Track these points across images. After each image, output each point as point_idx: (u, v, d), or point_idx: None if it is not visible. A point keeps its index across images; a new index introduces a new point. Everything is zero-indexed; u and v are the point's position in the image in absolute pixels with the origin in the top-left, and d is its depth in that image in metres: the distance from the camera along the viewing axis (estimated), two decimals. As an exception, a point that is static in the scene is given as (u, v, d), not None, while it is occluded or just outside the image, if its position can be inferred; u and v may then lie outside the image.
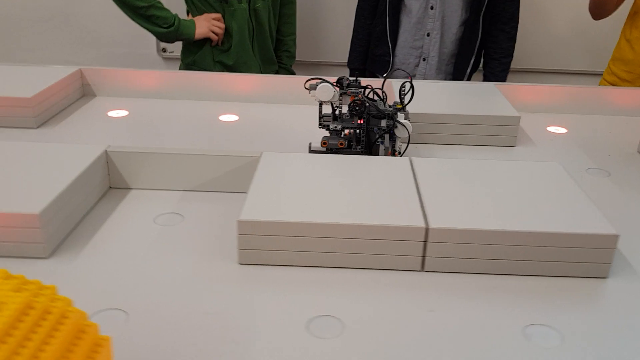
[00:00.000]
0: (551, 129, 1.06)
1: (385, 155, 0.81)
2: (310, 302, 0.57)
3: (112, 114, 1.07)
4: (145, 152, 0.78)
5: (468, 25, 1.61)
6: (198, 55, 1.65)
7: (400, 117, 0.81)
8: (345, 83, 0.82)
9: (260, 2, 1.62)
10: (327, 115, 0.84)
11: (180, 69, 1.71)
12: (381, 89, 0.84)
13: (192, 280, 0.60)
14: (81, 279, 0.60)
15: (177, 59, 2.15)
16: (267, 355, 0.51)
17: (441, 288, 0.60)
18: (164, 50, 2.09)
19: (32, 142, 0.78)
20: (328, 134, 0.84)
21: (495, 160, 0.78)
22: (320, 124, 0.84)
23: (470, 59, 1.65)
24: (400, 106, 0.82)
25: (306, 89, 0.81)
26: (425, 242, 0.61)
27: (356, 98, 0.80)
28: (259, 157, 0.77)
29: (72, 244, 0.66)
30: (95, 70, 1.16)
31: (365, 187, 0.68)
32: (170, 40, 1.62)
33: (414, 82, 1.15)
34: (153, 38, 2.09)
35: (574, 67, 2.19)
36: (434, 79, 1.66)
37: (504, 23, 1.63)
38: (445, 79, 1.68)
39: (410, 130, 0.80)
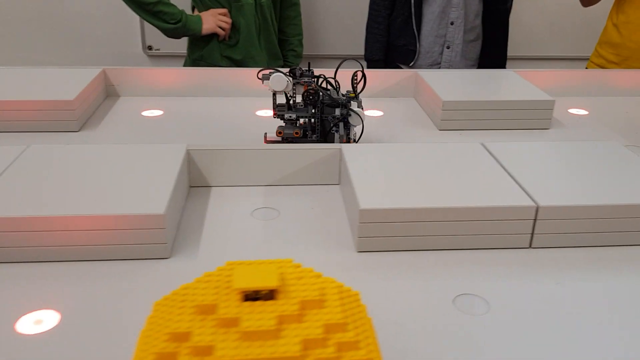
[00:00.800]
0: (573, 111, 1.13)
1: (340, 142, 0.83)
2: (443, 283, 0.60)
3: (147, 113, 1.06)
4: (225, 149, 0.78)
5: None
6: (205, 50, 1.64)
7: (354, 105, 0.84)
8: (298, 73, 0.84)
9: None
10: (281, 105, 0.85)
11: (185, 64, 1.69)
12: (334, 78, 0.86)
13: (322, 270, 0.62)
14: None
15: (163, 56, 2.12)
16: (422, 334, 0.53)
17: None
18: (150, 47, 2.04)
19: (113, 144, 0.76)
20: (283, 124, 0.86)
21: (555, 142, 0.83)
22: (274, 114, 0.85)
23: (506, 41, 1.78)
24: (353, 95, 0.84)
25: (259, 79, 0.83)
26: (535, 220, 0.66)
27: (309, 87, 0.83)
28: (338, 149, 0.79)
29: (184, 244, 0.65)
30: (118, 70, 1.13)
31: (453, 172, 0.72)
32: (177, 36, 1.61)
33: (440, 70, 1.20)
34: (138, 36, 2.06)
35: (562, 53, 2.32)
36: (458, 67, 1.74)
37: None
38: (470, 66, 1.78)
39: (363, 118, 0.83)
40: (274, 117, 0.85)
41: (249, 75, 1.15)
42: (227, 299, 0.28)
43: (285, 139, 0.84)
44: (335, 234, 0.68)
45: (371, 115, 1.09)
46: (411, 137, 1.00)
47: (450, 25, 1.70)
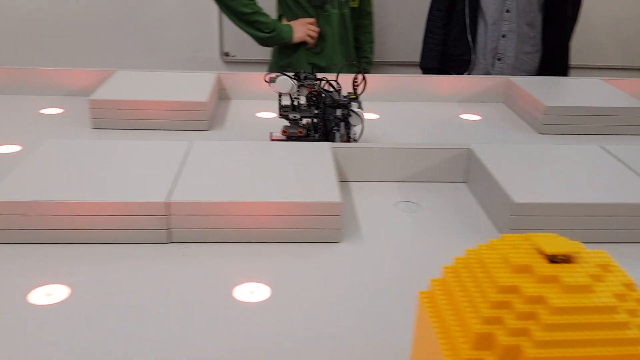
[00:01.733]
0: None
1: (340, 141, 0.89)
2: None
3: (260, 115, 1.13)
4: (366, 147, 0.85)
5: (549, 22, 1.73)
6: (293, 57, 1.74)
7: (354, 106, 0.88)
8: (302, 76, 0.89)
9: (346, 8, 1.73)
10: (286, 106, 0.90)
11: (271, 70, 1.77)
12: (335, 80, 0.91)
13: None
14: (378, 263, 0.67)
15: (239, 62, 2.20)
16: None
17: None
18: (227, 54, 2.13)
19: (267, 143, 0.85)
20: (288, 124, 0.90)
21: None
22: (280, 114, 0.90)
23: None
24: (354, 96, 0.90)
25: (266, 82, 0.88)
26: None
27: (313, 89, 0.88)
28: (467, 150, 0.85)
29: (347, 230, 0.72)
30: (229, 74, 1.21)
31: (583, 170, 0.78)
32: (269, 44, 1.72)
33: (528, 77, 1.26)
34: (216, 42, 2.16)
35: (624, 63, 2.37)
36: None
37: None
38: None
39: (362, 118, 0.88)
40: (279, 118, 0.90)
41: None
42: (536, 261, 0.35)
43: (290, 138, 0.89)
44: (479, 226, 0.75)
45: (470, 119, 1.16)
46: (513, 139, 1.06)
47: (502, 38, 1.72)
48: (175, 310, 0.57)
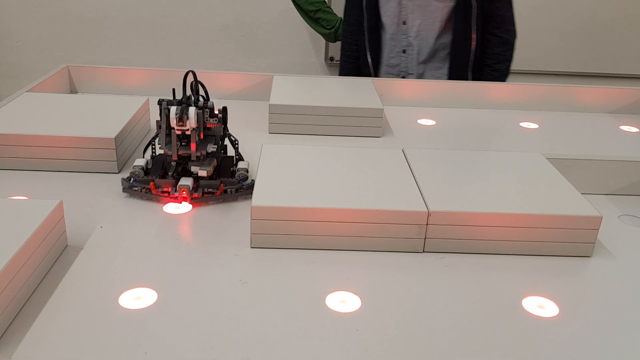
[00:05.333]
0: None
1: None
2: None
3: (422, 122, 1.13)
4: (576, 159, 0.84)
5: (458, 35, 1.43)
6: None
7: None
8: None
9: None
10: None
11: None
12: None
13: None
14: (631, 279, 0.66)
15: None
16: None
17: (439, 268, 0.66)
18: (332, 59, 2.14)
19: (473, 151, 0.85)
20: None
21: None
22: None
23: (467, 71, 1.46)
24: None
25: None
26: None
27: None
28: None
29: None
30: (381, 81, 1.21)
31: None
32: (332, 40, 1.85)
33: None
34: (322, 48, 2.18)
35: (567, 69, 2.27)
36: None
37: (495, 27, 1.45)
38: None
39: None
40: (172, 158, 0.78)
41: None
42: None
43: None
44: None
45: (528, 127, 1.14)
46: None
47: (403, 54, 1.47)
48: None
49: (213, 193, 0.77)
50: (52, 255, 0.62)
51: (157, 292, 0.58)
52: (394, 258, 0.67)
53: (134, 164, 0.78)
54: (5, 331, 0.52)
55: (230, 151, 0.88)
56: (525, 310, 0.58)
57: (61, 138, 0.82)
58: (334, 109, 1.02)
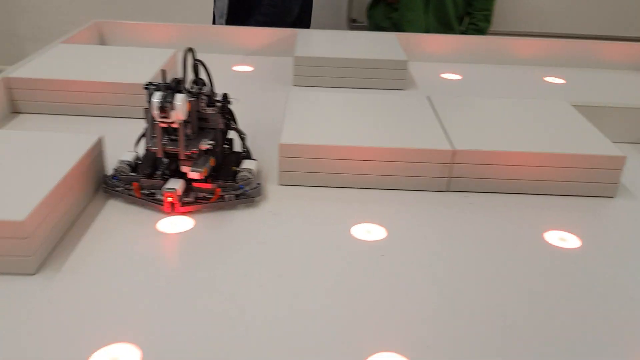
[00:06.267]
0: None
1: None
2: None
3: (446, 76, 1.14)
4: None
5: None
6: (375, 10, 1.90)
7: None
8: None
9: None
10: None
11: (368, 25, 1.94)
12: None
13: None
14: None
15: (364, 27, 2.22)
16: None
17: (463, 205, 0.67)
18: (354, 20, 2.14)
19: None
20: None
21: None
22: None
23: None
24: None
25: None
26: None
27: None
28: None
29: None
30: (403, 35, 1.22)
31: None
32: None
33: None
34: (344, 9, 2.18)
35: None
36: None
37: None
38: None
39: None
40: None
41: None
42: None
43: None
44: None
45: (554, 82, 1.13)
46: None
47: None
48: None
49: (208, 199, 0.64)
50: (94, 186, 0.65)
51: (194, 220, 0.61)
52: (419, 196, 0.68)
53: (121, 159, 0.65)
54: (52, 250, 0.55)
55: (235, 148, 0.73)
56: (548, 242, 0.60)
57: (96, 83, 0.85)
58: (359, 60, 1.03)
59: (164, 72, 0.64)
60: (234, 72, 1.11)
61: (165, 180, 0.63)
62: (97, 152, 0.66)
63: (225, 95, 0.66)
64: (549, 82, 1.12)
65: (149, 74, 0.88)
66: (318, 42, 1.12)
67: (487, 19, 1.86)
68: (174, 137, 0.62)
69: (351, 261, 0.56)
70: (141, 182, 0.64)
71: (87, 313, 0.48)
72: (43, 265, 0.53)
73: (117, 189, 0.64)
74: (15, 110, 0.87)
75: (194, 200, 0.63)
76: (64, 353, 0.43)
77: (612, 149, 0.69)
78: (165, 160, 0.64)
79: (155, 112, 0.59)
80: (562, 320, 0.49)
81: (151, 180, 0.64)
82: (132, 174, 0.64)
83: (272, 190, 0.68)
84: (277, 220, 0.62)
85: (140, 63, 0.93)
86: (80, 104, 0.86)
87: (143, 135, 0.67)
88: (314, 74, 1.04)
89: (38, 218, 0.52)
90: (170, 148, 0.62)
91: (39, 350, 0.44)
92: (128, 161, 0.65)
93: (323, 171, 0.69)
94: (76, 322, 0.47)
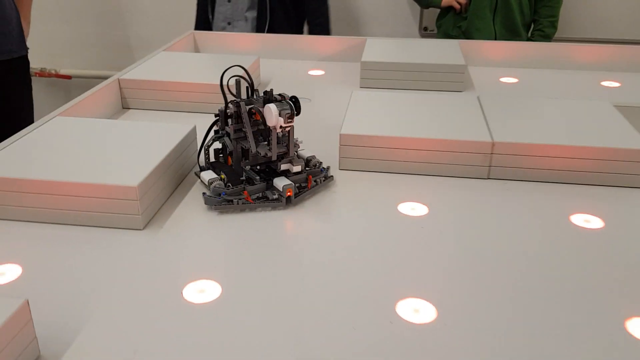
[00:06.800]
0: None
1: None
2: None
3: (504, 79, 1.21)
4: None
5: None
6: (444, 20, 1.98)
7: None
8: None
9: None
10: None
11: (438, 32, 2.04)
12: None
13: None
14: None
15: (434, 35, 2.31)
16: None
17: (501, 191, 0.75)
18: (425, 29, 2.24)
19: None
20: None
21: None
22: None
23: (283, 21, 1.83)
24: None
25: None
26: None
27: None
28: None
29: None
30: (464, 42, 1.30)
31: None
32: (423, 5, 2.05)
33: None
34: (417, 17, 2.30)
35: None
36: None
37: None
38: None
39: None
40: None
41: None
42: None
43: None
44: None
45: (609, 85, 1.15)
46: None
47: (228, 3, 1.84)
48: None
49: (303, 187, 0.74)
50: (189, 165, 0.79)
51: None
52: (461, 181, 0.78)
53: (209, 179, 0.73)
54: (156, 212, 0.70)
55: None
56: (573, 223, 0.68)
57: (190, 84, 1.00)
58: (419, 65, 1.13)
59: (238, 82, 0.75)
60: (309, 76, 1.24)
61: (266, 181, 0.72)
62: (192, 138, 0.80)
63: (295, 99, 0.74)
64: (604, 85, 1.17)
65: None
66: (384, 48, 1.23)
67: (554, 25, 1.90)
68: (265, 142, 0.73)
69: (396, 230, 0.66)
70: (247, 189, 0.72)
71: (181, 258, 0.61)
72: (149, 224, 0.68)
73: (225, 203, 0.70)
74: (125, 106, 1.04)
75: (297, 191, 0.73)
76: (165, 285, 0.57)
77: (641, 143, 0.75)
78: (248, 167, 0.73)
79: (281, 121, 0.68)
80: (577, 287, 0.57)
81: (254, 186, 0.72)
82: (230, 185, 0.72)
83: (334, 174, 0.80)
84: (338, 196, 0.74)
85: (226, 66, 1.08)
86: (177, 101, 1.02)
87: (206, 146, 0.76)
88: (378, 77, 1.15)
89: (147, 185, 0.67)
90: (279, 150, 0.72)
91: (145, 284, 0.58)
92: (217, 177, 0.73)
93: (376, 158, 0.80)
94: (173, 264, 0.60)
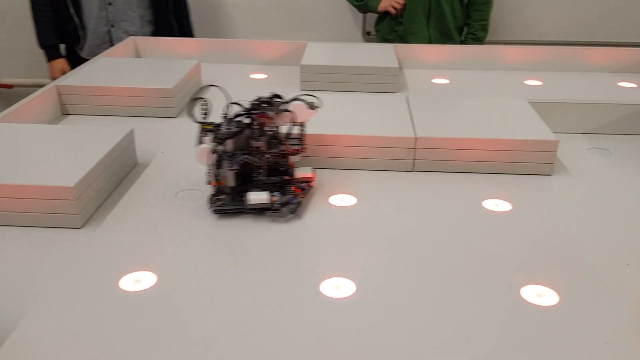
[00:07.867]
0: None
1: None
2: None
3: (436, 81, 1.28)
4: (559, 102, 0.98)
5: None
6: (382, 24, 2.09)
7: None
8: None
9: None
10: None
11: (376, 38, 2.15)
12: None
13: None
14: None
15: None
16: None
17: (425, 182, 0.81)
18: (368, 33, 2.31)
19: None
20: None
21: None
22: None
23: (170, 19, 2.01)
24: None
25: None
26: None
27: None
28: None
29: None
30: (399, 46, 1.37)
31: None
32: (361, 10, 2.13)
33: None
34: (359, 22, 2.37)
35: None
36: None
37: None
38: None
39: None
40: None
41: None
42: None
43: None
44: None
45: (532, 84, 1.24)
46: None
47: (109, 6, 1.92)
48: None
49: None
50: (127, 166, 0.82)
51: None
52: (388, 174, 0.83)
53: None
54: (94, 212, 0.72)
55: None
56: (485, 208, 0.74)
57: (129, 89, 1.03)
58: (356, 68, 1.18)
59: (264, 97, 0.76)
60: (250, 80, 1.28)
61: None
62: (129, 140, 0.83)
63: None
64: (527, 84, 1.25)
65: (175, 80, 1.05)
66: (323, 52, 1.28)
67: (484, 29, 2.01)
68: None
69: (326, 220, 0.71)
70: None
71: (118, 252, 0.64)
72: (87, 222, 0.70)
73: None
74: (65, 112, 1.05)
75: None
76: (102, 276, 0.60)
77: (548, 135, 0.82)
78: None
79: (301, 114, 0.74)
80: (484, 261, 0.63)
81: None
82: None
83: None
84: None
85: (167, 72, 1.11)
86: (116, 106, 1.04)
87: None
88: (318, 80, 1.20)
89: (83, 185, 0.69)
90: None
91: (82, 277, 0.60)
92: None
93: (311, 155, 0.84)
94: (109, 258, 0.63)
